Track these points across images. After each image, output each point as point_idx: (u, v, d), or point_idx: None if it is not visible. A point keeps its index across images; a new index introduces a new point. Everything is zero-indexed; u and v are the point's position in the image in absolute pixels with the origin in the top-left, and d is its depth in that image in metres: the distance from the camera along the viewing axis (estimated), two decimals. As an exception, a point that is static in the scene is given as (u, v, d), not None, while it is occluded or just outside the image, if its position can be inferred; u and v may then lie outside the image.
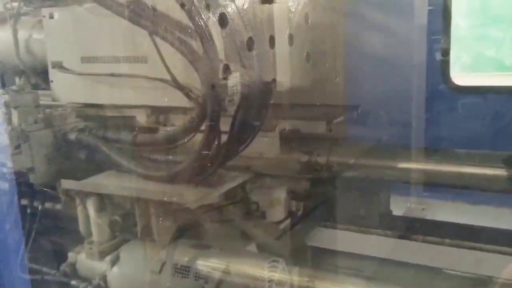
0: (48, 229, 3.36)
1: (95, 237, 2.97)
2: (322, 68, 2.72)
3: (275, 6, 2.39)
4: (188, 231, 2.86)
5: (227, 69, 2.15)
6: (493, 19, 3.13)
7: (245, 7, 2.18)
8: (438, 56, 2.80)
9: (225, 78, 2.15)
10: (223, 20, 2.12)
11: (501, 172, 2.34)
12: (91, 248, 2.96)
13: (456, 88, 2.81)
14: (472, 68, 3.15)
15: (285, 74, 2.55)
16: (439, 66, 2.80)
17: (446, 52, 2.73)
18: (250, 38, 2.23)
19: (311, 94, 2.77)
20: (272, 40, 2.44)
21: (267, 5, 2.32)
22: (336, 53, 2.73)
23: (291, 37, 2.59)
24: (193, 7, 1.99)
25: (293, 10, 2.54)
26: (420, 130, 2.87)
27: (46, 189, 3.13)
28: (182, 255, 2.65)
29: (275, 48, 2.45)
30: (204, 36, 2.06)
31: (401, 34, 2.71)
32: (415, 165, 2.56)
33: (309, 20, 2.70)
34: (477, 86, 2.87)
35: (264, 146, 2.77)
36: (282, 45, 2.50)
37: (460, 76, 2.96)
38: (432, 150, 2.63)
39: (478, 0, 3.12)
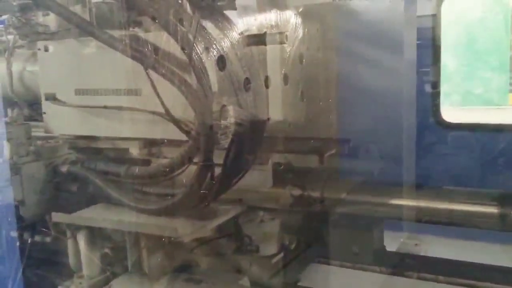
0: (38, 262, 3.30)
1: (85, 271, 2.92)
2: (315, 104, 2.78)
3: (270, 48, 2.44)
4: (180, 264, 2.84)
5: (223, 109, 2.17)
6: (479, 56, 3.22)
7: (243, 49, 2.22)
8: (428, 95, 2.87)
9: (221, 117, 2.17)
10: (221, 63, 2.15)
11: (492, 210, 2.38)
12: (81, 283, 2.91)
13: (446, 124, 2.88)
14: (462, 104, 3.23)
15: (279, 112, 2.59)
16: (430, 104, 2.88)
17: (436, 91, 2.81)
18: (247, 79, 2.27)
19: (305, 129, 2.80)
20: (267, 80, 2.48)
21: (263, 47, 2.36)
22: (329, 89, 2.79)
23: (286, 77, 2.64)
24: (193, 50, 2.02)
25: (288, 51, 2.60)
26: (410, 164, 2.92)
27: (36, 222, 3.08)
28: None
29: (271, 87, 2.49)
30: (203, 77, 2.09)
31: (393, 73, 2.79)
32: (408, 202, 2.59)
33: (304, 60, 2.76)
34: (466, 123, 2.94)
35: (257, 179, 2.78)
36: (277, 84, 2.55)
37: (449, 110, 3.03)
38: (423, 187, 2.67)
39: (464, 36, 3.21)
